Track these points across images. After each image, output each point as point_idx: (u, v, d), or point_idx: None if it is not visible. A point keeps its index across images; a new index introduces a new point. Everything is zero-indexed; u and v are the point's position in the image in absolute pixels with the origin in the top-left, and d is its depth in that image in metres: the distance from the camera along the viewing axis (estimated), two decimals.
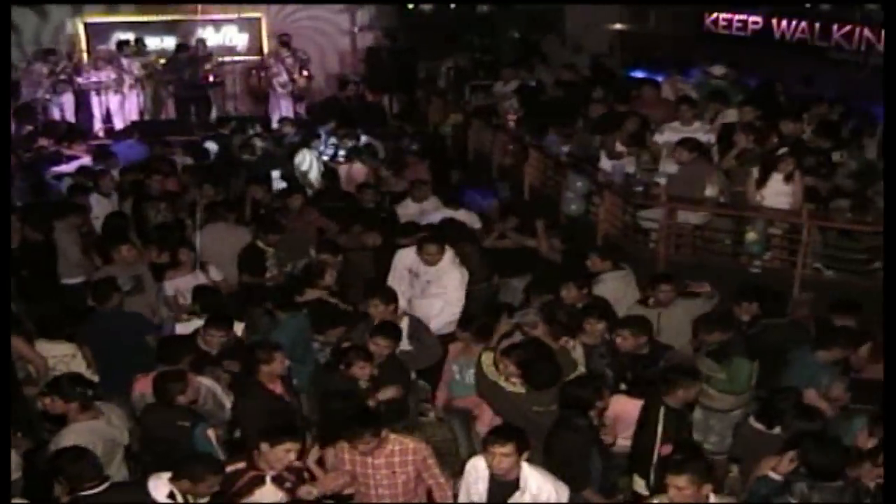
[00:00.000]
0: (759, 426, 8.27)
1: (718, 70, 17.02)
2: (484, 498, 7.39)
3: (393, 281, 11.26)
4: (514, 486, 7.23)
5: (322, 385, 9.12)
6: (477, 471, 7.44)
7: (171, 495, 7.08)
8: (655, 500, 7.10)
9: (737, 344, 9.44)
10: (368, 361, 8.86)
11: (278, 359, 8.70)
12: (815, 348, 9.12)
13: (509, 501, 7.22)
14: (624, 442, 8.44)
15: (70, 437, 7.92)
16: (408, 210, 13.86)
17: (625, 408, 8.55)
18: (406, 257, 11.39)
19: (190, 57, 22.44)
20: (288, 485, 7.49)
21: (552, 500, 7.22)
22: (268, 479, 7.44)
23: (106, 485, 7.18)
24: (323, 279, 10.87)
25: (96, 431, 8.02)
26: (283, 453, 7.39)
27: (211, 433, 8.19)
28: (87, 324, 10.28)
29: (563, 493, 7.31)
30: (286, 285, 11.48)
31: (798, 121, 13.55)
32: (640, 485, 8.10)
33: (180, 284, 11.25)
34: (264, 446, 7.42)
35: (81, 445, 7.54)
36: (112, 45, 22.64)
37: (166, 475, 7.15)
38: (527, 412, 8.40)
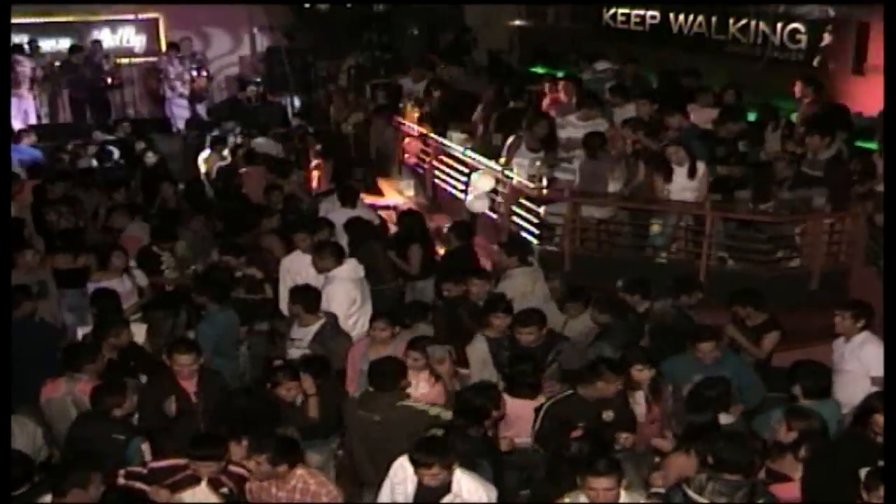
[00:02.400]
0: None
1: (601, 65, 17.19)
2: (410, 499, 7.30)
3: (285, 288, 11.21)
4: (445, 489, 7.12)
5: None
6: (405, 471, 7.30)
7: None
8: (568, 500, 7.05)
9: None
10: (296, 381, 8.74)
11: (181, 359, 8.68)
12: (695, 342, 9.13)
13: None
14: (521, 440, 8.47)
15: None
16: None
17: (523, 407, 8.56)
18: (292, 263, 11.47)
19: (86, 58, 22.01)
20: (225, 490, 7.36)
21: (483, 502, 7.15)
22: (203, 480, 7.32)
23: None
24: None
25: None
26: (195, 464, 7.29)
27: (145, 447, 8.04)
28: None
29: (493, 494, 7.25)
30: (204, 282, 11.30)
31: (681, 112, 13.68)
32: None
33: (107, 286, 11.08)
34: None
35: None
36: None
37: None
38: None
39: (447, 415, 8.04)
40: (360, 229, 12.30)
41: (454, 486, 7.10)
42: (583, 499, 6.85)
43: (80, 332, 10.30)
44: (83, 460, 7.25)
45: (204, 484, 7.32)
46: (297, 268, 11.39)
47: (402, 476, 7.32)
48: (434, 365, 9.01)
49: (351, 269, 10.88)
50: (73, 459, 7.49)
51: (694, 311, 10.32)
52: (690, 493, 6.78)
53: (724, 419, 8.08)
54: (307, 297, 10.07)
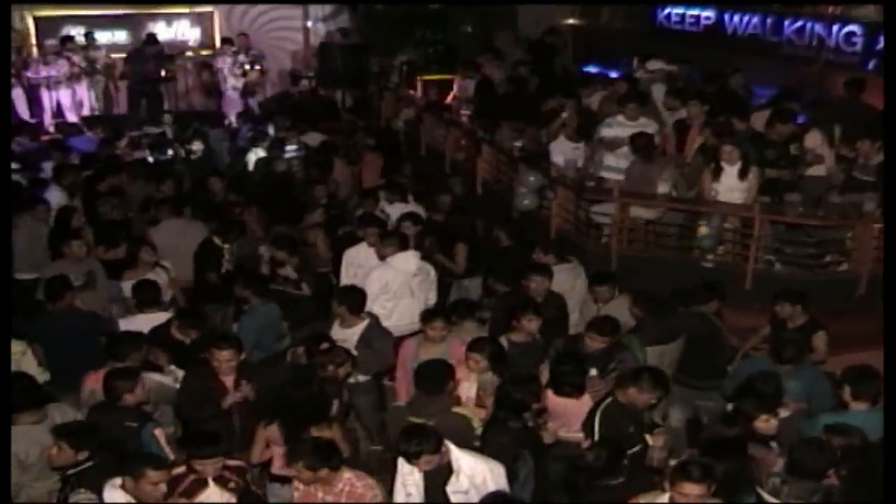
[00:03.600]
0: None
1: (653, 65, 17.07)
2: (422, 488, 7.32)
3: (346, 280, 11.27)
4: (448, 470, 7.21)
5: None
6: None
7: None
8: (643, 501, 7.01)
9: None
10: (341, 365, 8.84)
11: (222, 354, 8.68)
12: None
13: (448, 489, 7.19)
14: (568, 435, 8.42)
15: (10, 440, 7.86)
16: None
17: (566, 405, 8.53)
18: (357, 255, 11.44)
19: (140, 51, 22.24)
20: (232, 485, 7.40)
21: (488, 480, 7.18)
22: (210, 481, 7.35)
23: None
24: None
25: (30, 436, 7.86)
26: (201, 463, 7.32)
27: (159, 433, 8.07)
28: (38, 322, 10.12)
29: (498, 469, 7.26)
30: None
31: (745, 118, 13.59)
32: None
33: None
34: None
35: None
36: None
37: (118, 481, 7.04)
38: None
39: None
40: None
41: (454, 465, 7.18)
42: (662, 499, 6.83)
43: (123, 324, 10.26)
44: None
45: (212, 484, 7.34)
46: (360, 260, 11.46)
47: (409, 467, 7.33)
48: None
49: (404, 260, 10.91)
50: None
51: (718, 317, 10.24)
52: (765, 495, 6.77)
53: (782, 413, 8.02)
54: (353, 299, 10.03)
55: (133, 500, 7.00)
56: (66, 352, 9.58)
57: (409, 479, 7.37)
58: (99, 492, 7.05)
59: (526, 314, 9.46)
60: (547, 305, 10.05)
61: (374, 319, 10.12)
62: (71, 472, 7.26)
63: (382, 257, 11.00)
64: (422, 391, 8.31)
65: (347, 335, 9.84)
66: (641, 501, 6.94)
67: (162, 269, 11.56)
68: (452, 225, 13.02)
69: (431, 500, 7.30)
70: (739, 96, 15.44)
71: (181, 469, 7.43)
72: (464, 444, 7.54)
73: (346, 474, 7.39)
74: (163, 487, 7.08)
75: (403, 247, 11.09)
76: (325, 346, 9.21)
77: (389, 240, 11.14)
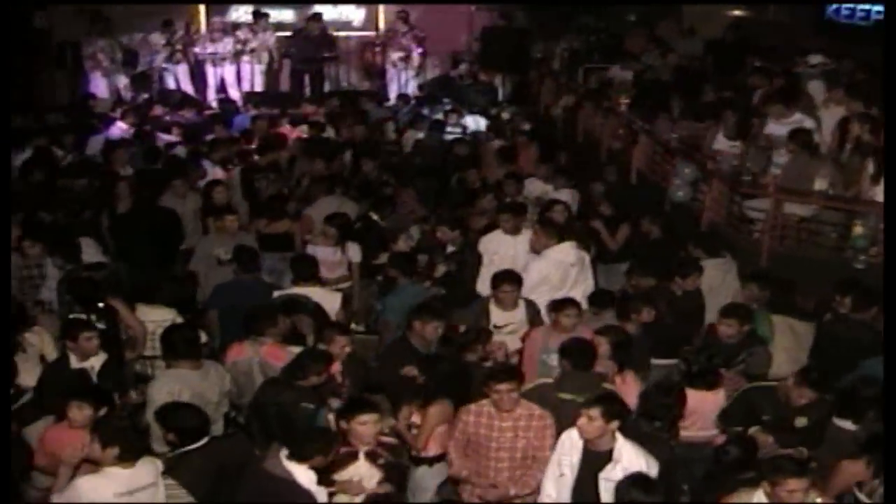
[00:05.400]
0: (842, 424, 8.14)
1: (814, 59, 16.72)
2: (576, 470, 7.41)
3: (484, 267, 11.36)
4: (608, 458, 7.27)
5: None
6: (571, 441, 7.47)
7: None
8: (736, 500, 7.02)
9: None
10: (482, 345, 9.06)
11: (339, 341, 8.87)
12: None
13: (601, 475, 7.25)
14: (697, 434, 8.49)
15: (159, 382, 8.38)
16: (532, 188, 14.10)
17: (702, 401, 8.55)
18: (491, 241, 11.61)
19: (305, 30, 22.70)
20: (381, 461, 7.55)
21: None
22: (361, 454, 7.51)
23: (206, 439, 7.45)
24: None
25: (183, 380, 8.27)
26: (359, 426, 7.45)
27: (331, 417, 8.20)
28: (219, 290, 10.62)
29: (654, 468, 7.28)
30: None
31: None
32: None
33: (319, 253, 11.50)
34: (343, 423, 7.57)
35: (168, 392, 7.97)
36: (229, 17, 23.10)
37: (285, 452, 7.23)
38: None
39: None
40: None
41: (615, 454, 7.23)
42: (758, 498, 6.83)
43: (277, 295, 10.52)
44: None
45: (362, 458, 7.50)
46: (495, 247, 11.53)
47: (569, 446, 7.46)
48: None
49: (561, 251, 10.96)
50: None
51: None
52: (862, 497, 6.73)
53: None
54: (516, 279, 10.19)
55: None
56: (235, 319, 9.74)
57: (566, 459, 7.49)
58: (185, 478, 7.27)
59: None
60: (686, 299, 10.07)
61: (534, 306, 10.27)
62: (175, 452, 7.49)
63: (541, 247, 11.02)
64: (570, 366, 8.40)
65: (506, 319, 10.04)
66: (734, 501, 6.98)
67: (342, 247, 11.84)
68: (622, 205, 13.28)
69: (583, 484, 7.37)
70: None
71: None
72: None
73: (523, 400, 7.79)
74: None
75: (560, 237, 11.06)
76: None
77: (547, 230, 11.15)
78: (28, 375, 8.74)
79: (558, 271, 10.88)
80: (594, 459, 7.33)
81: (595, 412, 7.17)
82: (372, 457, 7.54)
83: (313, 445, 7.20)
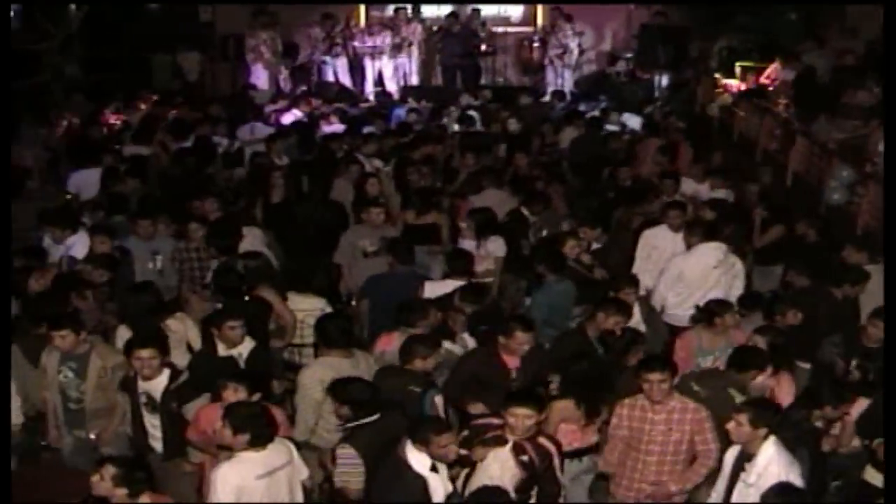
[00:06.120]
0: None
1: None
2: (728, 467, 7.49)
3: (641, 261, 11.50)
4: (748, 456, 7.31)
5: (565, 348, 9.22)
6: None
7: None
8: None
9: None
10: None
11: (519, 337, 8.71)
12: None
13: (741, 475, 7.29)
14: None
15: (310, 370, 8.54)
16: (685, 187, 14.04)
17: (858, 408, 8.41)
18: (655, 236, 11.65)
19: (463, 25, 22.87)
20: (524, 458, 7.40)
21: (780, 475, 7.05)
22: (509, 443, 7.43)
23: (377, 415, 7.60)
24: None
25: (335, 368, 8.38)
26: (511, 417, 7.38)
27: (439, 400, 8.30)
28: (373, 281, 10.74)
29: (796, 468, 7.21)
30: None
31: None
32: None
33: (465, 246, 11.72)
34: (502, 412, 7.57)
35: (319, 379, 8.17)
36: (388, 12, 23.41)
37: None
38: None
39: None
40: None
41: (758, 457, 7.19)
42: None
43: (428, 288, 10.48)
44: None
45: (508, 447, 7.40)
46: (657, 242, 11.64)
47: None
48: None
49: (705, 252, 10.95)
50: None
51: None
52: None
53: None
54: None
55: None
56: (385, 311, 9.85)
57: (730, 453, 7.55)
58: (361, 449, 7.36)
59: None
60: (846, 304, 10.02)
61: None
62: (350, 425, 7.63)
63: (689, 245, 11.10)
64: (733, 366, 8.46)
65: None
66: None
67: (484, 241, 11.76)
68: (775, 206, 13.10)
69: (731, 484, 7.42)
70: None
71: (495, 420, 7.66)
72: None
73: (676, 393, 7.82)
74: (454, 449, 7.27)
75: (707, 235, 11.08)
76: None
77: (695, 229, 11.18)
78: (175, 360, 8.88)
79: (696, 271, 10.88)
80: (741, 460, 7.37)
81: (743, 418, 7.21)
82: (517, 450, 7.41)
83: (420, 428, 7.26)
